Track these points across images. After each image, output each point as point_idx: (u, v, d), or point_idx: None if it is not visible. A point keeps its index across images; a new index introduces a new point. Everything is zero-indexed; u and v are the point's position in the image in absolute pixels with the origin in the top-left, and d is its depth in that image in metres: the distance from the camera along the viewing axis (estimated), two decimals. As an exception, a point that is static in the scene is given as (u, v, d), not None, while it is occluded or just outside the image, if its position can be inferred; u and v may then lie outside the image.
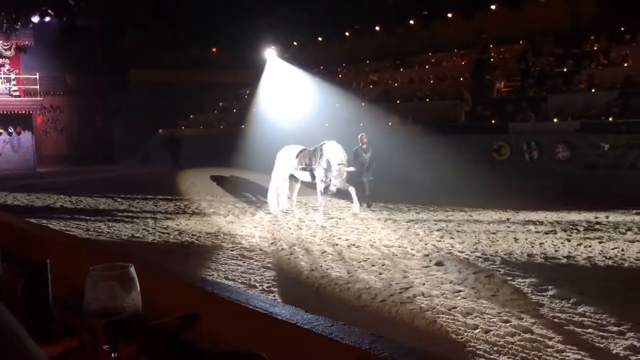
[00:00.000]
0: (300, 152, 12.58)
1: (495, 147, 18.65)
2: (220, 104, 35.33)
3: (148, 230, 11.40)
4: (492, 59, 24.09)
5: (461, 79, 23.81)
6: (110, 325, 1.21)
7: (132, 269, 1.26)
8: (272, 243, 10.16)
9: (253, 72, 29.88)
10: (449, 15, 27.06)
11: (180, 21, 30.57)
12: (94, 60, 29.73)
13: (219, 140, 28.00)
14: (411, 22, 28.49)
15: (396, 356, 1.42)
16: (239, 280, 7.70)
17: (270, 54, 28.55)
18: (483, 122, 20.22)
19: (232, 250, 9.58)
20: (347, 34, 31.51)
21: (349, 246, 9.70)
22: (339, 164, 11.54)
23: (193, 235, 10.93)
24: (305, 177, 12.51)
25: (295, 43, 32.12)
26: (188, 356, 1.47)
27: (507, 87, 22.55)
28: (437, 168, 16.42)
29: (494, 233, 10.47)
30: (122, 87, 31.45)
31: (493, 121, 20.14)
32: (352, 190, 12.08)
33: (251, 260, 8.89)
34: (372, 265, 8.35)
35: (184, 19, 30.42)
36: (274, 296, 7.00)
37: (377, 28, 30.04)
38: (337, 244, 9.91)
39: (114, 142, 32.81)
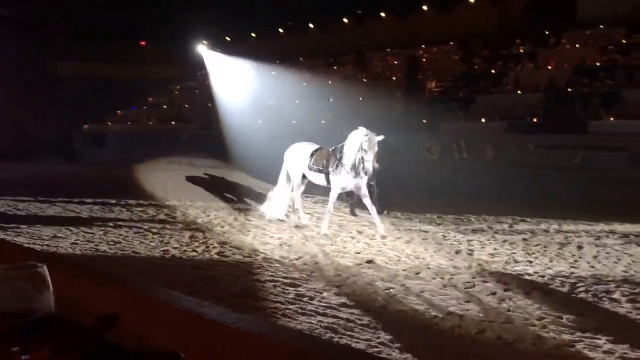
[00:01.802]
0: (316, 151, 10.89)
1: (427, 147, 18.99)
2: (150, 99, 34.39)
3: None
4: (424, 59, 24.54)
5: (394, 78, 24.11)
6: (20, 326, 1.16)
7: (44, 269, 1.22)
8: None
9: (185, 68, 29.27)
10: (383, 15, 27.40)
11: (108, 14, 29.57)
12: (16, 52, 28.27)
13: (158, 136, 27.28)
14: (345, 20, 28.66)
15: (326, 352, 1.60)
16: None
17: (203, 50, 27.99)
18: (416, 122, 20.54)
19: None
20: (280, 30, 31.37)
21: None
22: (366, 135, 9.59)
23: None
24: (319, 179, 10.82)
25: (228, 38, 31.66)
26: (105, 356, 1.40)
27: (438, 87, 23.01)
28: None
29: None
30: (48, 81, 30.07)
31: (425, 121, 20.52)
32: (371, 206, 10.22)
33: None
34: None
35: (111, 12, 29.43)
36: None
37: (311, 26, 30.06)
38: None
39: (38, 137, 31.24)
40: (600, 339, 5.31)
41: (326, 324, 5.79)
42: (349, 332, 5.55)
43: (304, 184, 11.37)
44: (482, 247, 9.21)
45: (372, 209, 10.16)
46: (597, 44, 19.49)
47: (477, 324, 5.77)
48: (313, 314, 6.13)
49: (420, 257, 8.67)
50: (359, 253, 9.00)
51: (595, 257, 8.53)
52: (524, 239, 9.86)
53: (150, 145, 26.31)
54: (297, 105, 23.23)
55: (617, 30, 19.55)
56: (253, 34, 31.85)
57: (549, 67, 19.78)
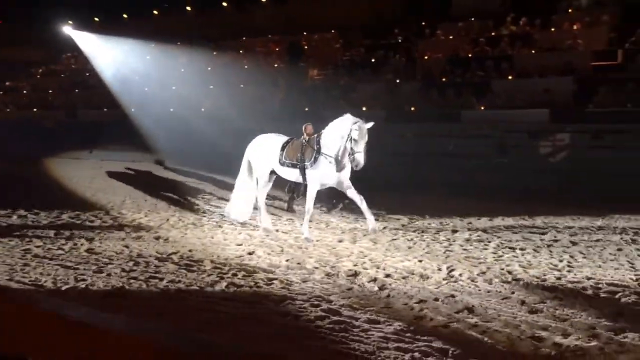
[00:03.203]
0: (288, 143, 9.43)
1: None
2: (8, 83, 31.53)
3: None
4: (305, 47, 24.51)
5: (275, 65, 23.87)
6: None
7: None
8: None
9: (48, 50, 27.10)
10: (263, 0, 27.00)
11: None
12: None
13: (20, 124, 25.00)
14: (224, 4, 27.96)
15: (193, 349, 1.67)
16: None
17: (69, 31, 26.01)
18: (297, 110, 20.49)
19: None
20: (155, 12, 30.02)
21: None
22: (356, 122, 8.48)
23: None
24: (292, 175, 9.41)
25: (96, 19, 29.73)
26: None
27: (320, 75, 23.09)
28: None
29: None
30: None
31: (307, 109, 20.54)
32: (360, 200, 8.86)
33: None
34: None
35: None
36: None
37: (188, 8, 29.00)
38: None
39: None
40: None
41: (204, 319, 5.47)
42: (224, 327, 5.25)
43: (272, 181, 9.99)
44: (364, 235, 9.20)
45: (362, 202, 8.78)
46: (469, 36, 20.41)
47: (362, 312, 5.66)
48: (192, 309, 5.75)
49: (302, 247, 8.51)
50: (240, 245, 8.68)
51: (467, 241, 8.81)
52: (403, 225, 10.06)
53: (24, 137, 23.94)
54: (174, 92, 22.35)
55: (487, 23, 20.54)
56: (125, 15, 30.13)
57: (426, 58, 20.42)
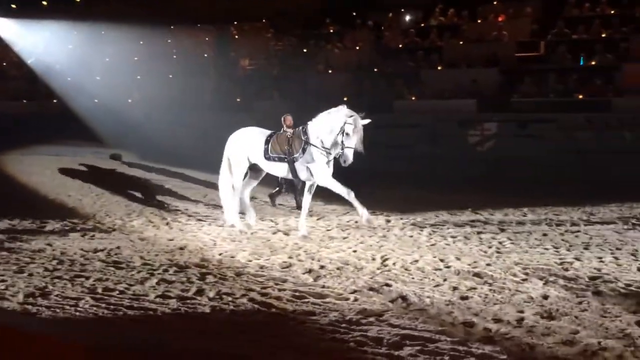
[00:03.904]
0: (272, 135, 8.78)
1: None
2: None
3: None
4: (236, 36, 24.08)
5: (205, 55, 23.34)
6: None
7: None
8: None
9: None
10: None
11: None
12: None
13: None
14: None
15: (124, 346, 1.65)
16: None
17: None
18: (229, 100, 20.17)
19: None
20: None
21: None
22: (351, 116, 8.03)
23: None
24: (279, 170, 8.78)
25: (13, 5, 27.91)
26: None
27: (251, 66, 22.77)
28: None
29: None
30: None
31: (239, 99, 20.24)
32: (350, 194, 8.27)
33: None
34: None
35: None
36: None
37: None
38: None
39: None
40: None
41: (131, 315, 5.30)
42: (154, 324, 5.07)
43: (258, 178, 9.33)
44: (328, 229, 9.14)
45: (350, 195, 8.22)
46: (400, 27, 20.58)
47: (296, 304, 5.60)
48: (119, 307, 5.53)
49: (236, 240, 8.37)
50: (171, 240, 8.44)
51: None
52: (338, 216, 10.07)
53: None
54: (99, 82, 21.48)
55: (416, 14, 20.74)
56: (44, 2, 28.42)
57: (357, 48, 20.46)
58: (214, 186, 10.87)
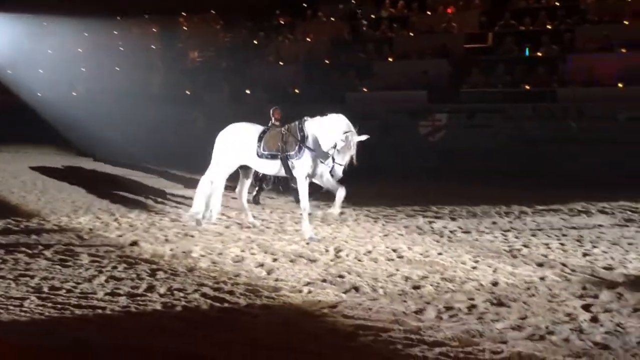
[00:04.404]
0: (265, 131, 8.36)
1: (193, 119, 18.54)
2: None
3: None
4: (184, 28, 23.66)
5: (153, 47, 22.85)
6: None
7: None
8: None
9: None
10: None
11: None
12: None
13: None
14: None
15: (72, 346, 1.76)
16: None
17: None
18: (178, 93, 19.83)
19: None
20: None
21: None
22: (346, 132, 7.63)
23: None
24: (272, 168, 8.36)
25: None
26: None
27: (200, 58, 22.43)
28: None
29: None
30: None
31: (188, 92, 19.91)
32: (341, 190, 7.99)
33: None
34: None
35: None
36: None
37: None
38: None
39: None
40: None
41: (79, 314, 5.13)
42: (102, 322, 4.93)
43: (249, 176, 8.95)
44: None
45: (341, 191, 7.98)
46: (350, 18, 20.57)
47: (250, 298, 5.55)
48: (66, 306, 5.33)
49: (188, 235, 8.23)
50: (121, 236, 8.23)
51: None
52: (291, 209, 10.02)
53: None
54: (42, 76, 20.76)
55: (367, 5, 20.79)
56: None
57: (308, 40, 20.38)
58: (165, 181, 10.69)
